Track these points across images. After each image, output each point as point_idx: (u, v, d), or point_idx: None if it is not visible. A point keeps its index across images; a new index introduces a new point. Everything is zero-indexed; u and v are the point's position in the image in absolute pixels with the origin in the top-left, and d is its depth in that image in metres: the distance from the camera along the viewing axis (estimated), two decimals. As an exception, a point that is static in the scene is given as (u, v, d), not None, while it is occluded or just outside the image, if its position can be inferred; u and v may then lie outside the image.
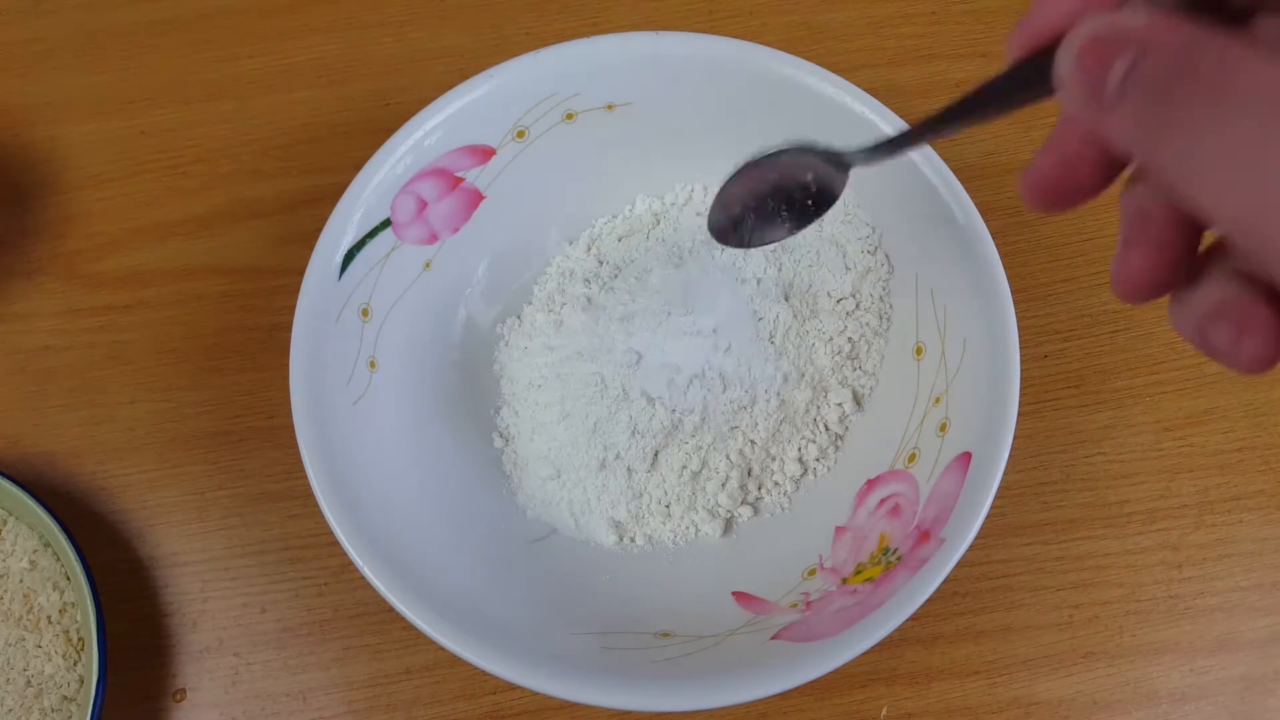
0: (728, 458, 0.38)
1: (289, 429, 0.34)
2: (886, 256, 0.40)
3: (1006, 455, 0.33)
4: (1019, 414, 0.34)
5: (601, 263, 0.42)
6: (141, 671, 0.40)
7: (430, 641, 0.32)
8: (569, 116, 0.40)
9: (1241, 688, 0.40)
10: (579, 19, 0.51)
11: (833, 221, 0.40)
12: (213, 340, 0.44)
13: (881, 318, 0.40)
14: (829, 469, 0.39)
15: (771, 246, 0.39)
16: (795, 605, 0.35)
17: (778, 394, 0.38)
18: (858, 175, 0.40)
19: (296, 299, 0.36)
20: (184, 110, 0.49)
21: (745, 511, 0.39)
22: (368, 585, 0.32)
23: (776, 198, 0.32)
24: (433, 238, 0.40)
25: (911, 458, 0.36)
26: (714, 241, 0.34)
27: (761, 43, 0.39)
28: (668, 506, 0.38)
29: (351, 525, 0.33)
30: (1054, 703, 0.39)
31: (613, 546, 0.38)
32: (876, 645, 0.31)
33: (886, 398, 0.39)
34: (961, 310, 0.37)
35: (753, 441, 0.38)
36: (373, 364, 0.38)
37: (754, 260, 0.38)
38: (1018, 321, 0.35)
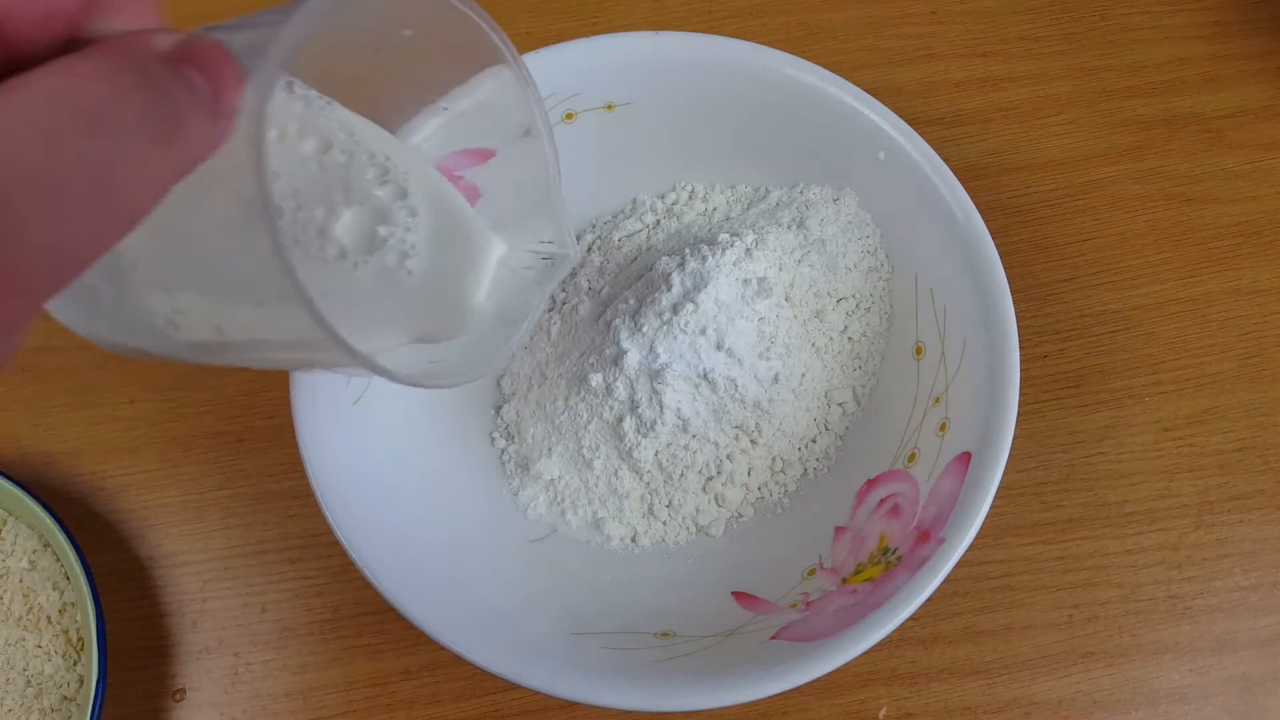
0: (728, 458, 0.38)
1: (289, 429, 0.34)
2: (886, 256, 0.40)
3: (1006, 455, 0.33)
4: (1019, 414, 0.34)
5: (602, 262, 0.42)
6: (141, 671, 0.40)
7: (430, 642, 0.32)
8: (569, 116, 0.40)
9: (1241, 688, 0.40)
10: (579, 19, 0.51)
11: (833, 221, 0.40)
12: (213, 340, 0.44)
13: (882, 318, 0.40)
14: (829, 469, 0.39)
15: (773, 246, 0.39)
16: (795, 605, 0.35)
17: (778, 394, 0.38)
18: (858, 176, 0.40)
19: (296, 299, 0.36)
20: (184, 110, 0.49)
21: (746, 511, 0.39)
22: (368, 585, 0.32)
23: None
24: (433, 238, 0.40)
25: (911, 458, 0.36)
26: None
27: (761, 43, 0.39)
28: (668, 506, 0.38)
29: (351, 525, 0.33)
30: (1054, 703, 0.39)
31: (613, 546, 0.38)
32: (876, 645, 0.31)
33: (886, 398, 0.39)
34: (961, 310, 0.37)
35: (753, 441, 0.38)
36: (373, 364, 0.38)
37: (755, 260, 0.38)
38: (1018, 321, 0.35)
